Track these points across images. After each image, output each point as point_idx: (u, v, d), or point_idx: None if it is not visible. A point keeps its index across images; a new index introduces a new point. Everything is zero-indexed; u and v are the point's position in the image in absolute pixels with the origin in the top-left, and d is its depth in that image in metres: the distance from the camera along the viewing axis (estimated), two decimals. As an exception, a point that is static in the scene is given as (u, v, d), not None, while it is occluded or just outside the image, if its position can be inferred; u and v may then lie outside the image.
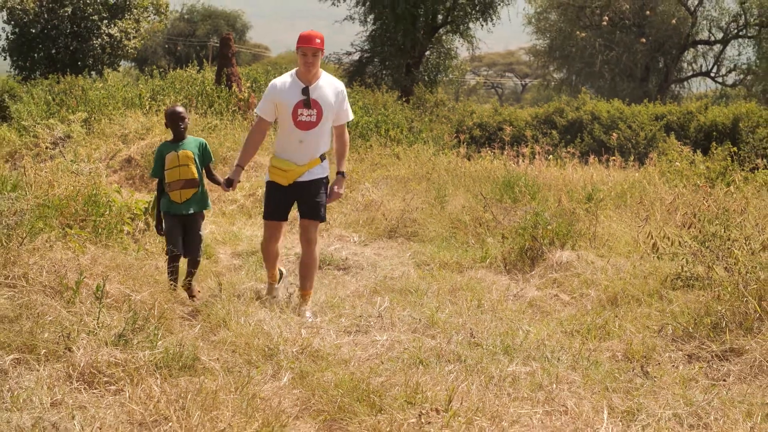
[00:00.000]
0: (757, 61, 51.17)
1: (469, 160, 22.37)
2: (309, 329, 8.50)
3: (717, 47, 52.54)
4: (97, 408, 5.76)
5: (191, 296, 10.08)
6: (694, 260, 10.48)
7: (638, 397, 6.65)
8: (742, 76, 53.26)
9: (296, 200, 9.94)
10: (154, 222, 10.65)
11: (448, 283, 10.81)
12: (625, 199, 16.15)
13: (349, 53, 48.01)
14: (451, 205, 15.42)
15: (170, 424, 5.55)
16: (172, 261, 10.05)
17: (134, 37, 46.56)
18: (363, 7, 44.87)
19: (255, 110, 10.29)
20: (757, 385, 7.27)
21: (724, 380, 7.48)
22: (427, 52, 46.29)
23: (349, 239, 13.64)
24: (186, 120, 10.32)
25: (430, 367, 7.43)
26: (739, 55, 52.90)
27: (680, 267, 10.59)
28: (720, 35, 51.93)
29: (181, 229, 10.15)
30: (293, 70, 10.14)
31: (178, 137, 10.25)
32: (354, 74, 45.38)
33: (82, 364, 6.42)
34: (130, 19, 46.04)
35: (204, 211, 10.56)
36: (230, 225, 14.30)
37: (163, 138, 18.45)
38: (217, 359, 7.24)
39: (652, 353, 8.18)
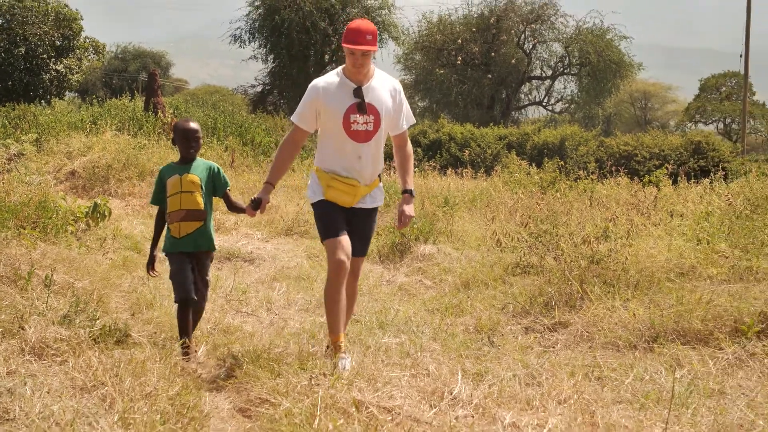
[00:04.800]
0: (579, 93, 51.95)
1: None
2: (221, 311, 8.44)
3: (547, 82, 53.18)
4: (45, 376, 5.67)
5: (185, 354, 6.87)
6: (530, 252, 10.61)
7: (486, 362, 6.68)
8: (567, 105, 54.00)
9: (350, 229, 6.85)
10: (147, 260, 7.53)
11: (333, 272, 10.81)
12: (476, 203, 16.27)
13: (253, 86, 48.16)
14: (336, 208, 15.39)
15: (106, 388, 5.47)
16: (184, 308, 7.02)
17: (77, 72, 46.39)
18: (264, 49, 45.01)
19: (291, 117, 7.00)
20: (579, 350, 7.37)
21: (554, 347, 7.57)
22: (318, 85, 46.36)
23: (253, 236, 13.56)
24: (200, 140, 7.35)
25: (318, 339, 7.43)
26: (564, 88, 53.69)
27: (519, 257, 10.72)
28: (550, 72, 52.56)
29: (190, 268, 7.14)
30: (339, 68, 6.87)
31: (187, 158, 7.27)
32: (257, 103, 45.83)
33: (33, 340, 6.32)
34: (73, 57, 45.93)
35: (212, 252, 7.48)
36: (156, 225, 14.11)
37: (104, 154, 18.19)
38: (145, 334, 7.16)
39: (497, 326, 8.25)
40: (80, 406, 5.14)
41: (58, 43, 45.06)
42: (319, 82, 6.79)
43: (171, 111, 26.51)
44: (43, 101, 40.64)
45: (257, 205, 6.75)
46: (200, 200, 7.19)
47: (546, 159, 24.86)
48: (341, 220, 6.77)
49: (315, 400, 5.29)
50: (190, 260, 7.17)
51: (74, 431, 4.76)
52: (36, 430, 4.74)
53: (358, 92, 6.65)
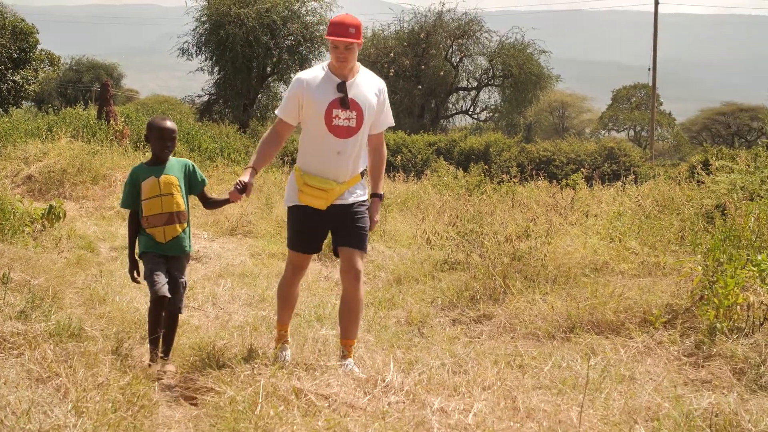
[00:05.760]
0: (502, 103, 52.23)
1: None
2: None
3: (473, 92, 53.38)
4: (2, 368, 5.57)
5: (151, 358, 6.36)
6: (457, 249, 10.64)
7: (416, 352, 6.68)
8: (491, 114, 54.26)
9: (333, 228, 6.42)
10: (128, 265, 6.66)
11: (275, 269, 10.75)
12: (407, 204, 16.29)
13: (200, 96, 47.82)
14: (277, 209, 15.33)
15: (60, 379, 5.40)
16: (157, 306, 6.37)
17: (33, 83, 46.13)
18: (210, 61, 44.69)
19: (276, 111, 6.60)
20: (502, 341, 7.41)
21: (479, 338, 7.60)
22: (260, 95, 46.47)
23: (200, 236, 13.43)
24: (176, 140, 6.61)
25: (260, 332, 7.39)
26: (489, 98, 53.92)
27: (447, 255, 10.76)
28: (475, 83, 52.78)
29: (166, 268, 6.46)
30: (324, 62, 6.42)
31: (161, 159, 6.50)
32: (203, 112, 45.56)
33: (-10, 334, 6.23)
34: (30, 68, 45.66)
35: (190, 253, 6.80)
36: (109, 226, 13.96)
37: (59, 160, 17.93)
38: (98, 328, 7.07)
39: (427, 319, 8.26)
40: (36, 396, 5.07)
41: (15, 55, 44.85)
42: (303, 75, 6.39)
43: (122, 119, 26.23)
44: (0, 110, 39.99)
45: (243, 188, 6.14)
46: (181, 201, 6.48)
47: (472, 164, 25.03)
48: (318, 229, 6.42)
49: (257, 388, 5.27)
50: (165, 261, 6.49)
51: (30, 420, 4.69)
52: (-7, 420, 4.67)
53: (341, 87, 6.21)
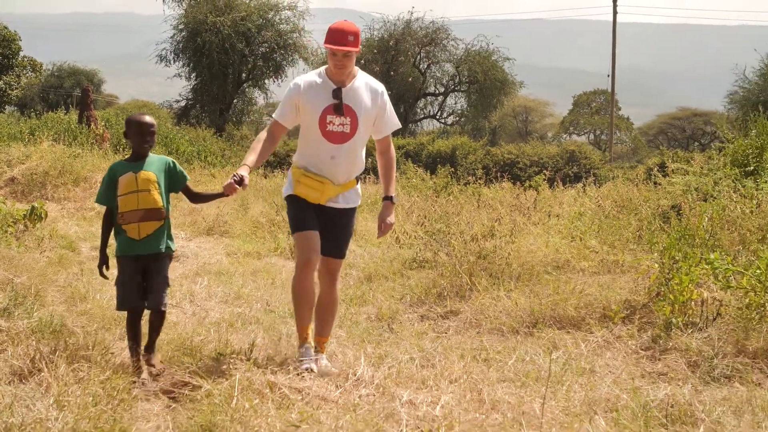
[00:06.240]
0: (468, 108, 52.29)
1: (265, 178, 22.26)
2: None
3: (440, 98, 53.42)
4: (-15, 364, 5.56)
5: (150, 368, 6.03)
6: (425, 248, 10.66)
7: (386, 347, 6.70)
8: (457, 119, 54.31)
9: (322, 227, 6.19)
10: (99, 260, 6.27)
11: (250, 267, 10.75)
12: (378, 205, 16.18)
13: (178, 101, 47.66)
14: (253, 210, 15.30)
15: (42, 374, 5.38)
16: (132, 318, 6.10)
17: (16, 88, 45.96)
18: (188, 68, 44.51)
19: (273, 114, 6.36)
20: (468, 335, 7.43)
21: (446, 333, 7.60)
22: (235, 100, 46.40)
23: (178, 236, 13.35)
24: (155, 134, 6.27)
25: (236, 327, 7.38)
26: (455, 103, 53.92)
27: (415, 253, 10.77)
28: (442, 89, 52.80)
29: (140, 276, 6.11)
30: (322, 68, 6.25)
31: (140, 155, 6.14)
32: (181, 116, 45.37)
33: (-26, 332, 6.20)
34: (12, 74, 45.46)
35: (172, 253, 6.46)
36: (90, 226, 13.87)
37: (41, 162, 17.81)
38: (79, 325, 7.03)
39: (396, 315, 8.26)
40: (18, 391, 5.06)
41: (-2, 62, 44.55)
42: (300, 80, 6.19)
43: (102, 123, 26.20)
44: (-16, 114, 39.76)
45: (241, 180, 5.86)
46: (158, 198, 6.10)
47: (439, 166, 24.98)
48: (311, 216, 6.16)
49: (233, 382, 5.25)
50: (141, 264, 6.10)
51: (12, 414, 4.67)
52: (-23, 414, 4.64)
53: (337, 93, 6.04)
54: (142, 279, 6.16)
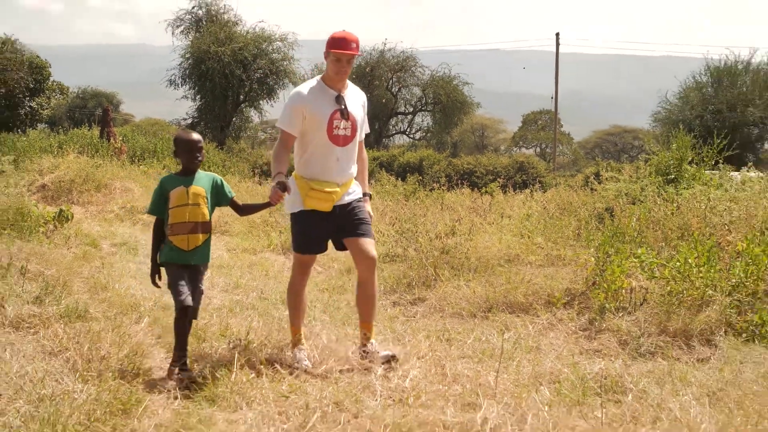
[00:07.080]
0: (433, 125, 52.30)
1: (260, 185, 22.23)
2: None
3: (410, 116, 53.43)
4: (21, 343, 5.54)
5: (182, 368, 5.39)
6: (396, 245, 10.66)
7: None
8: (424, 134, 54.33)
9: (337, 227, 5.80)
10: (150, 270, 5.73)
11: (247, 261, 10.73)
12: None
13: (185, 119, 47.44)
14: (250, 212, 15.27)
15: (69, 352, 5.37)
16: (182, 316, 5.49)
17: (47, 108, 45.95)
18: (193, 90, 44.36)
19: (277, 124, 5.92)
20: (433, 319, 7.44)
21: (414, 317, 7.63)
22: (234, 119, 46.27)
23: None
24: (203, 150, 5.74)
25: (235, 312, 7.37)
26: (422, 121, 53.92)
27: (388, 249, 10.77)
28: (411, 109, 52.81)
29: (188, 279, 5.60)
30: (316, 77, 5.87)
31: (190, 170, 5.66)
32: (188, 132, 44.98)
33: (11, 316, 6.17)
34: (44, 96, 45.52)
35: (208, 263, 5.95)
36: (109, 226, 13.77)
37: (68, 172, 17.70)
38: (101, 311, 7.00)
39: (372, 301, 8.27)
40: (49, 367, 5.06)
41: (31, 85, 44.71)
42: (302, 89, 5.74)
43: (120, 138, 26.14)
44: (19, 131, 39.64)
45: (284, 187, 5.42)
46: (206, 212, 5.66)
47: (408, 175, 25.08)
48: (324, 231, 5.82)
49: (232, 359, 5.26)
50: (186, 272, 5.61)
51: (44, 386, 4.67)
52: (14, 386, 4.65)
53: (339, 99, 5.72)
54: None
